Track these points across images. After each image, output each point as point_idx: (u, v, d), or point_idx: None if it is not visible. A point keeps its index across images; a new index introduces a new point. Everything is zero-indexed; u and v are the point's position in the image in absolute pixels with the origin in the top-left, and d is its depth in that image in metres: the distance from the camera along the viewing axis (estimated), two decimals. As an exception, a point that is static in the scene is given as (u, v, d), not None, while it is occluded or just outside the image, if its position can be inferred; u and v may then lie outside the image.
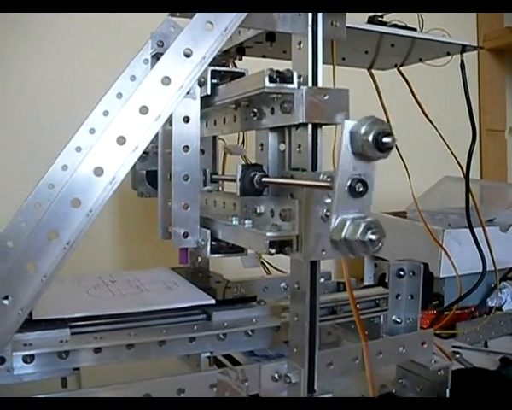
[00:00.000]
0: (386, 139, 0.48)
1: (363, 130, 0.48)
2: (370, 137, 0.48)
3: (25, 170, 1.10)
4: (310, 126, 0.58)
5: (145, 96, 0.55)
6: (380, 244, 0.50)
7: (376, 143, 0.48)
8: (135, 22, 1.08)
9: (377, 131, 0.48)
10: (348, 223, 0.50)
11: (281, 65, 0.73)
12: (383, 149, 0.48)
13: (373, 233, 0.49)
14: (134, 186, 0.87)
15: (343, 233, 0.49)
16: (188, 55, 0.57)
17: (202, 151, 0.76)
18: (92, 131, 0.86)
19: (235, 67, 0.81)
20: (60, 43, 1.18)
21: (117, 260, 1.24)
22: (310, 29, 0.59)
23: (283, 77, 0.58)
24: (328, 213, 0.57)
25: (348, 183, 0.49)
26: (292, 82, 0.58)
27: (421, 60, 0.86)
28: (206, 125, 0.79)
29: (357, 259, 1.27)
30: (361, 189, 0.49)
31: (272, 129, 0.64)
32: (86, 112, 0.82)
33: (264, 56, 0.83)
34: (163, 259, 0.92)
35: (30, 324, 0.63)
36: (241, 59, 0.81)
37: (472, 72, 1.63)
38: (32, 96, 1.16)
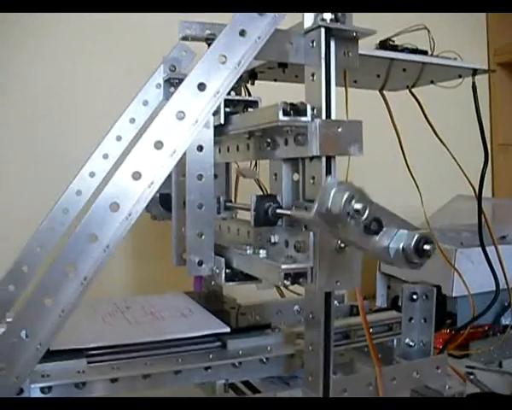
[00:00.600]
0: (427, 247, 0.50)
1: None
2: (412, 245, 0.50)
3: (25, 169, 1.12)
4: (323, 159, 0.58)
5: (160, 131, 0.56)
6: (366, 213, 0.48)
7: (417, 251, 0.50)
8: (135, 21, 1.09)
9: (418, 238, 0.50)
10: (333, 191, 0.47)
11: (292, 88, 0.74)
12: (423, 255, 0.50)
13: (358, 202, 0.47)
14: (147, 209, 0.88)
15: (329, 203, 0.47)
16: (202, 89, 0.57)
17: (215, 176, 0.77)
18: (105, 156, 0.87)
19: (248, 90, 0.82)
20: (60, 43, 1.19)
21: (130, 281, 1.24)
22: (323, 61, 0.59)
23: (297, 110, 0.58)
24: (342, 245, 0.58)
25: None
26: (305, 115, 0.58)
27: (432, 82, 0.86)
28: (220, 152, 0.79)
29: (369, 277, 1.27)
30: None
31: (286, 159, 0.64)
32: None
33: (275, 80, 0.83)
34: (176, 280, 0.92)
35: (47, 354, 0.63)
36: (253, 83, 0.82)
37: (483, 86, 1.63)
38: (33, 96, 1.17)
